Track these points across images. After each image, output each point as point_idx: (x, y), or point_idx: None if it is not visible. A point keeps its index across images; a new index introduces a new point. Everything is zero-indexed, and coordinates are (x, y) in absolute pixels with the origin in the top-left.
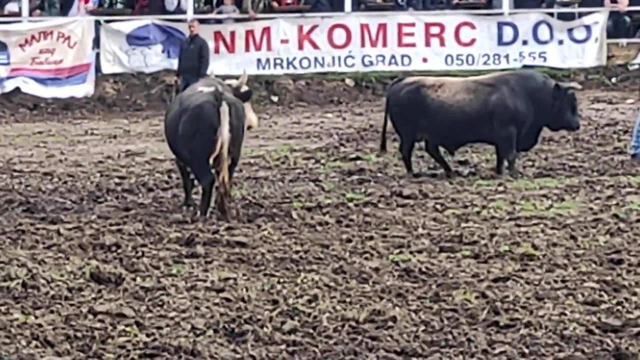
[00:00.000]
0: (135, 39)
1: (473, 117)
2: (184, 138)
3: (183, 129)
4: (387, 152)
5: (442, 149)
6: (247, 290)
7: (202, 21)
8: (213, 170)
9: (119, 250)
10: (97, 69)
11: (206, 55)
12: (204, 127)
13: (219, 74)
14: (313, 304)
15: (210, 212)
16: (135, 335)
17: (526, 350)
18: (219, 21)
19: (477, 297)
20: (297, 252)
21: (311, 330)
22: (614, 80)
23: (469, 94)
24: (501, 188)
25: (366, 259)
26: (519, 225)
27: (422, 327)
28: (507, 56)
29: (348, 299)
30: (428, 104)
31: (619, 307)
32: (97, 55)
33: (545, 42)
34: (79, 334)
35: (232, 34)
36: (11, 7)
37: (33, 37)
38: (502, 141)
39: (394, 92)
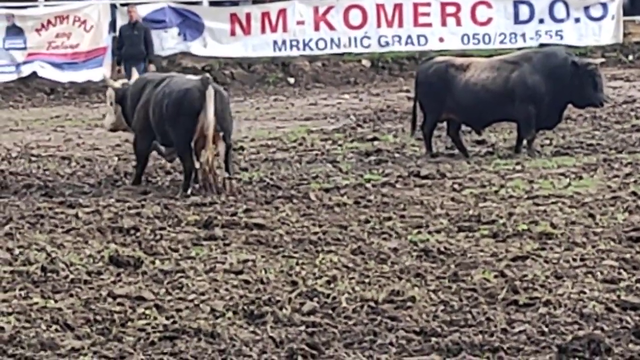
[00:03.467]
0: (152, 22)
1: (496, 94)
2: (171, 120)
3: (170, 111)
4: (417, 132)
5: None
6: (265, 272)
7: (218, 3)
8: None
9: (138, 234)
10: (114, 52)
11: (151, 40)
12: (189, 110)
13: (236, 56)
14: (332, 285)
15: (227, 195)
16: (155, 318)
17: (545, 329)
18: (234, 3)
19: (495, 277)
20: (315, 233)
21: (330, 311)
22: (630, 57)
23: (493, 72)
24: (519, 167)
25: (384, 239)
26: (537, 204)
27: (441, 307)
28: (523, 35)
29: (367, 280)
30: (455, 83)
31: (638, 285)
32: (114, 39)
33: (561, 21)
34: (98, 318)
35: (248, 15)
36: None
37: (49, 21)
38: (522, 119)
39: (423, 71)
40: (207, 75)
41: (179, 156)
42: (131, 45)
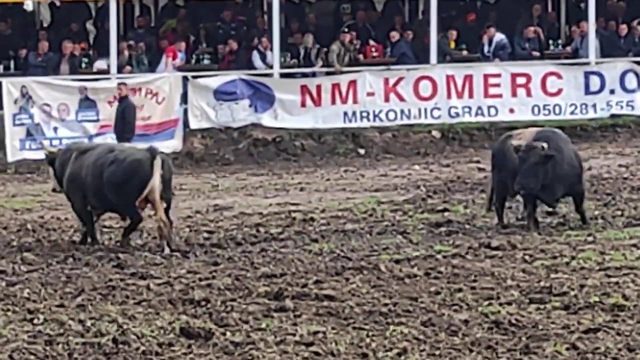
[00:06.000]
0: (223, 94)
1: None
2: (119, 186)
3: (120, 178)
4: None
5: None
6: (336, 344)
7: (288, 75)
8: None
9: (209, 305)
10: (185, 124)
11: (129, 118)
12: (140, 178)
13: (306, 128)
14: (402, 357)
15: (297, 266)
16: None
17: None
18: (305, 75)
19: (567, 349)
20: (385, 305)
21: None
22: None
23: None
24: (590, 238)
25: (455, 311)
26: (609, 276)
27: None
28: (594, 105)
29: (437, 352)
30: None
31: None
32: (185, 111)
33: (632, 91)
34: None
35: (319, 87)
36: (100, 65)
37: None
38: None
39: (495, 145)
40: (154, 145)
41: (128, 215)
42: (117, 121)
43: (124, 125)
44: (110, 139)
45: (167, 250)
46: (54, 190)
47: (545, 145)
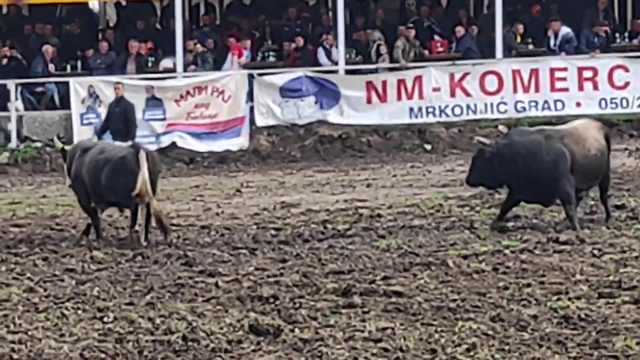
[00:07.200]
0: (288, 91)
1: None
2: (112, 182)
3: (110, 175)
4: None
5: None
6: (404, 339)
7: (354, 72)
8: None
9: (277, 302)
10: (251, 122)
11: (132, 119)
12: (127, 172)
13: (372, 124)
14: (472, 353)
15: (365, 262)
16: None
17: None
18: (371, 71)
19: (638, 343)
20: (454, 300)
21: None
22: None
23: None
24: None
25: (524, 306)
26: None
27: None
28: None
29: (507, 347)
30: None
31: None
32: (251, 109)
33: None
34: None
35: (384, 83)
36: (166, 63)
37: (188, 92)
38: None
39: None
40: (137, 141)
41: (131, 210)
42: (113, 121)
43: (127, 126)
44: (178, 136)
45: (142, 241)
46: (70, 186)
47: (484, 140)
